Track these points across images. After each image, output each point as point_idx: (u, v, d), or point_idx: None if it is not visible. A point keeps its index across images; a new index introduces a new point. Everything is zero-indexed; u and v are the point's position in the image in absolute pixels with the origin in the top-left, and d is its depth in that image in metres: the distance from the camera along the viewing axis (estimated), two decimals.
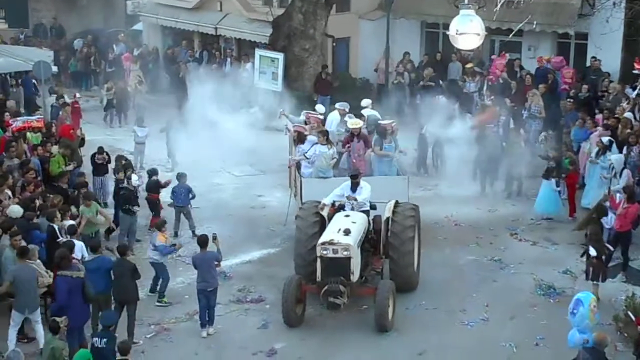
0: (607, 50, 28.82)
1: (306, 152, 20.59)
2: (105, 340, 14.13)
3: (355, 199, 18.12)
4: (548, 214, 22.63)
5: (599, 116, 25.15)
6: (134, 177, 21.21)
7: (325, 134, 20.67)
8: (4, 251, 16.57)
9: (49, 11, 43.08)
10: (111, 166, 22.97)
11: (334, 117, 23.11)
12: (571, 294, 18.60)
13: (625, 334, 16.31)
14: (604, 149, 22.31)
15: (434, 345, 16.62)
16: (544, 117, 26.86)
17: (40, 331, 15.95)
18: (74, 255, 16.60)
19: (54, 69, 32.43)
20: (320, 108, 23.86)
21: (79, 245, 17.24)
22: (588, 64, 29.64)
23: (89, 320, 16.27)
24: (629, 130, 23.02)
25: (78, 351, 14.10)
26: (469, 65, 30.72)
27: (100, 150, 23.36)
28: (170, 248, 18.43)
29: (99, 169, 23.24)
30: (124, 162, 22.12)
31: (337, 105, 23.45)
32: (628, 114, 24.02)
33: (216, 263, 16.98)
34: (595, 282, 18.02)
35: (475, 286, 18.92)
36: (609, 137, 22.68)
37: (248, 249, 21.12)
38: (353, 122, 21.36)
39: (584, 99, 27.12)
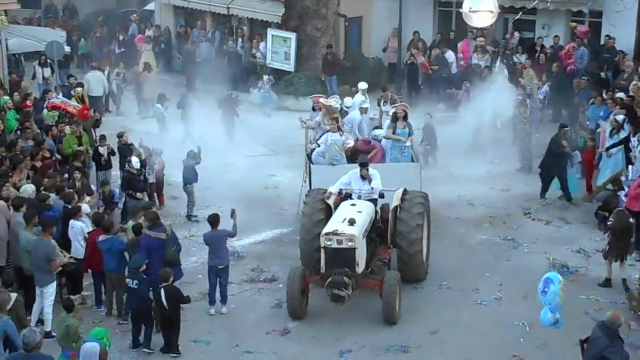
0: (621, 28, 28.73)
1: (318, 140, 20.34)
2: (136, 281, 15.46)
3: (370, 180, 17.69)
4: (572, 192, 22.49)
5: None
6: (134, 160, 20.76)
7: (336, 120, 20.30)
8: (19, 231, 16.66)
9: None
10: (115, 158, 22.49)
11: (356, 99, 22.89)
12: (585, 273, 18.72)
13: (639, 313, 16.34)
14: (618, 128, 22.25)
15: (447, 324, 16.65)
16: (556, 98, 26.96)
17: (48, 311, 16.15)
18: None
19: (67, 49, 32.52)
20: (346, 101, 23.48)
21: (79, 226, 17.31)
22: (602, 42, 29.50)
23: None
24: None
25: (93, 329, 14.22)
26: (480, 40, 30.55)
27: (121, 134, 22.64)
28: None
29: (101, 161, 22.19)
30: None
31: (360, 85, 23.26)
32: None
33: (229, 239, 17.12)
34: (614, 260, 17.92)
35: (489, 265, 18.95)
36: (623, 115, 22.61)
37: (261, 229, 21.21)
38: (347, 144, 20.54)
39: (597, 76, 27.02)
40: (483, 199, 22.71)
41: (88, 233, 17.21)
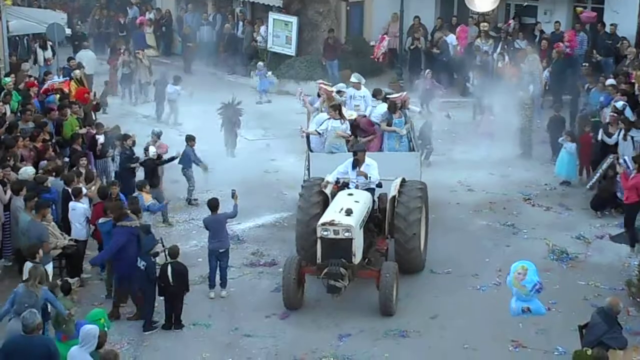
0: (624, 15, 28.68)
1: (319, 127, 19.91)
2: (144, 263, 15.77)
3: (366, 176, 17.39)
4: (567, 177, 22.58)
5: (611, 80, 24.92)
6: (152, 150, 20.72)
7: (337, 107, 19.83)
8: (20, 214, 16.69)
9: None
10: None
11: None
12: (584, 259, 18.76)
13: (638, 299, 16.38)
14: (619, 114, 22.22)
15: (446, 310, 16.70)
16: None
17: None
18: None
19: (68, 31, 32.47)
20: (341, 86, 22.35)
21: (82, 208, 17.34)
22: (606, 29, 29.40)
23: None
24: None
25: (92, 310, 14.26)
26: (484, 25, 30.47)
27: (126, 136, 21.33)
28: (160, 205, 18.85)
29: (96, 150, 21.72)
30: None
31: (352, 78, 22.04)
32: None
33: (230, 221, 17.28)
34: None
35: (488, 251, 18.97)
36: (624, 102, 22.58)
37: (261, 213, 21.24)
38: (349, 114, 20.33)
39: (597, 63, 27.00)
40: (483, 185, 22.73)
41: (93, 205, 17.47)
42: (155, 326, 16.05)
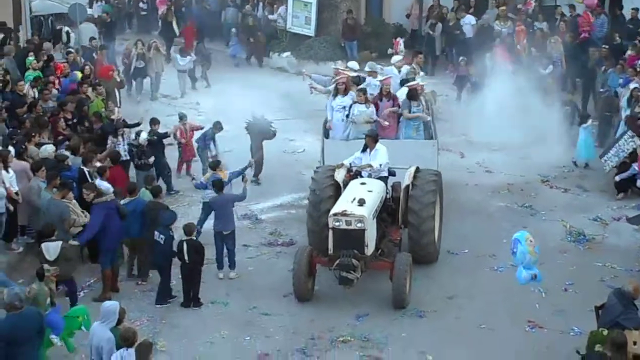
0: None
1: (346, 112, 19.43)
2: (163, 237, 15.97)
3: (371, 166, 17.12)
4: (588, 159, 22.51)
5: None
6: (143, 135, 20.70)
7: (364, 91, 19.41)
8: (40, 192, 16.82)
9: None
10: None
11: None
12: (601, 240, 18.75)
13: None
14: (637, 97, 22.18)
15: (463, 290, 16.76)
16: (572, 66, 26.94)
17: None
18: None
19: (89, 11, 32.53)
20: (353, 65, 22.34)
21: (107, 185, 17.41)
22: (625, 12, 29.23)
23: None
24: None
25: (73, 307, 14.45)
26: (502, 8, 30.34)
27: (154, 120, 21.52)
28: (237, 170, 18.27)
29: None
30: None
31: (367, 67, 21.49)
32: None
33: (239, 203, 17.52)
34: None
35: (506, 232, 18.83)
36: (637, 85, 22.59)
37: (279, 193, 21.33)
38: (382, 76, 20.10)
39: (617, 46, 26.85)
40: (501, 167, 22.68)
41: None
42: (170, 301, 16.20)
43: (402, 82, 20.74)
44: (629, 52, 25.79)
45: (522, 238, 14.05)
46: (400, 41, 24.67)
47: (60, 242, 15.12)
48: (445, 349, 14.83)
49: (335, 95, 19.93)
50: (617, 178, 20.63)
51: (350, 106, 19.46)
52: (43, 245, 15.10)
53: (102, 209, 16.24)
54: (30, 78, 23.32)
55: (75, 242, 15.88)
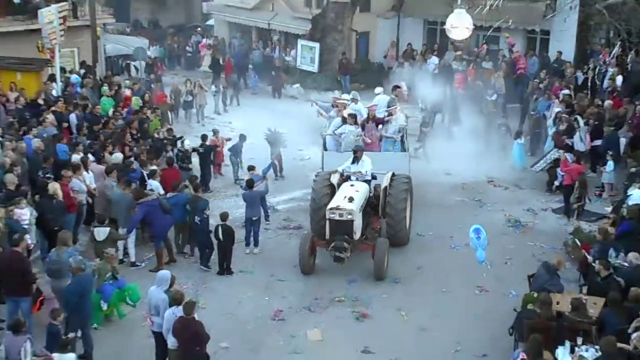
0: (565, 43, 28.48)
1: (337, 130, 19.32)
2: (199, 219, 16.09)
3: (361, 173, 17.00)
4: (522, 166, 22.41)
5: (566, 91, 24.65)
6: (187, 142, 20.79)
7: (353, 116, 19.28)
8: (112, 189, 16.81)
9: (143, 10, 42.99)
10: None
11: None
12: (532, 226, 18.71)
13: (572, 256, 16.36)
14: (561, 118, 22.18)
15: (428, 263, 16.74)
16: (511, 95, 26.94)
17: (131, 246, 16.41)
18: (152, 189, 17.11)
19: (149, 53, 32.51)
20: (346, 96, 21.94)
21: (156, 184, 17.38)
22: (550, 54, 29.19)
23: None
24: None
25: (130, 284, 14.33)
26: (458, 53, 30.33)
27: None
28: (267, 167, 19.43)
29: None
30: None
31: (350, 95, 21.19)
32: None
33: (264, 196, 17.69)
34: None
35: (461, 219, 18.89)
36: (560, 108, 22.68)
37: (291, 189, 21.29)
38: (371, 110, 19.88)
39: (545, 80, 26.78)
40: (458, 170, 22.43)
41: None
42: (209, 267, 16.24)
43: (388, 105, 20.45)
44: (556, 84, 25.68)
45: (482, 228, 14.59)
46: (403, 84, 24.10)
47: (108, 228, 15.07)
48: (415, 306, 14.85)
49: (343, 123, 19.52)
50: (556, 183, 20.36)
51: (340, 126, 19.35)
52: (95, 229, 15.14)
53: (144, 207, 16.13)
54: (105, 103, 23.30)
55: (121, 232, 15.90)
